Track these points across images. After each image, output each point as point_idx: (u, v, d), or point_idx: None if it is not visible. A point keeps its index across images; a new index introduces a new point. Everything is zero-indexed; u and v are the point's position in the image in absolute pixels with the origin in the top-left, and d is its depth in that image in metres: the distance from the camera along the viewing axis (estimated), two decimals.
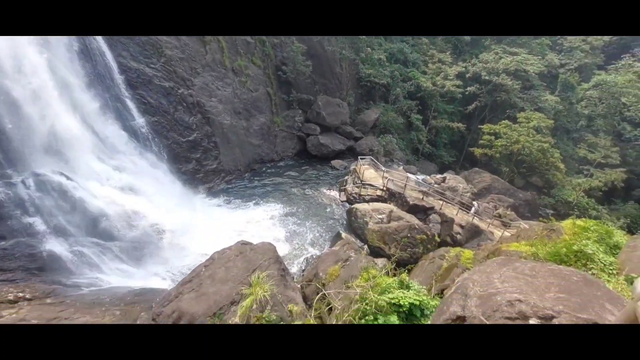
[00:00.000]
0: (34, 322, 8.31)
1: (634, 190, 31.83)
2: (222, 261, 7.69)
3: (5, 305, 8.90)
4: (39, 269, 10.45)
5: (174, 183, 17.53)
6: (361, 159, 23.57)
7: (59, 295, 9.91)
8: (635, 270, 5.58)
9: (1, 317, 8.29)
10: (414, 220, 16.93)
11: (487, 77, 33.55)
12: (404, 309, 5.47)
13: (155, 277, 12.81)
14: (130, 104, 15.86)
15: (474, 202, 23.44)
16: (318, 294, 8.02)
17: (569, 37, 39.13)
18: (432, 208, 19.06)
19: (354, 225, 17.63)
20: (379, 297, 5.71)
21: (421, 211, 18.88)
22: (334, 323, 5.83)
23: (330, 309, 7.12)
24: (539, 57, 36.63)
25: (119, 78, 15.32)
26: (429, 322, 3.62)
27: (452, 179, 26.40)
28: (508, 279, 2.06)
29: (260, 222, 17.96)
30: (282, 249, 15.60)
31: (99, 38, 14.18)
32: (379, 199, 20.13)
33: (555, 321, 1.68)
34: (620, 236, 7.41)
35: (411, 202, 18.99)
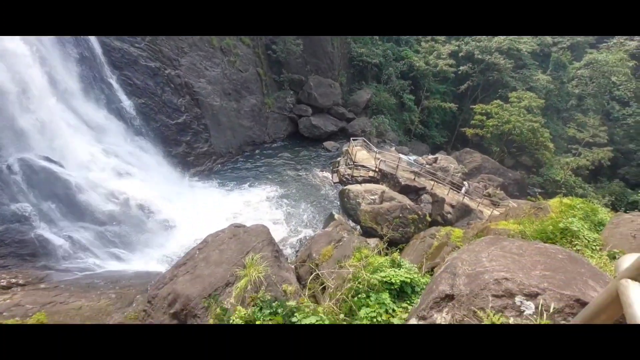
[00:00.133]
0: (29, 306, 8.34)
1: (619, 168, 32.58)
2: (216, 244, 7.72)
3: None
4: (31, 255, 10.39)
5: (164, 166, 17.33)
6: (353, 140, 23.50)
7: (52, 280, 9.91)
8: (617, 246, 5.80)
9: None
10: (405, 200, 17.13)
11: (480, 56, 33.25)
12: (396, 287, 5.63)
13: (149, 260, 12.86)
14: (116, 86, 15.39)
15: (465, 182, 23.78)
16: (312, 274, 8.17)
17: None
18: (423, 188, 19.28)
19: (347, 207, 17.78)
20: (371, 275, 5.85)
21: (413, 191, 19.10)
22: (327, 302, 5.97)
23: (324, 288, 7.28)
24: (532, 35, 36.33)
25: (102, 58, 14.78)
26: (418, 300, 3.73)
27: (444, 160, 26.61)
28: (496, 257, 2.12)
29: (253, 204, 17.98)
30: (276, 231, 15.73)
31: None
32: (371, 180, 20.24)
33: (539, 298, 1.76)
34: (604, 213, 7.63)
35: (403, 183, 19.16)
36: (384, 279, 5.66)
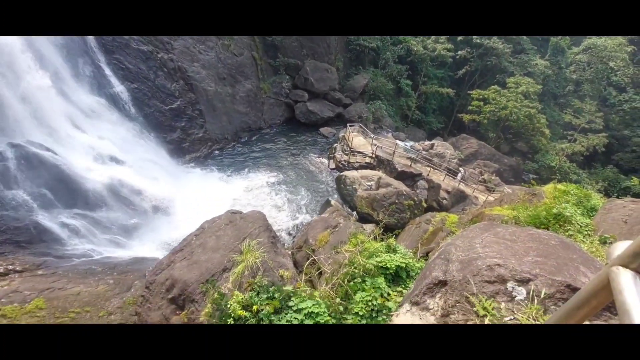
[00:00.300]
0: (27, 292, 8.38)
1: (614, 154, 32.84)
2: (213, 230, 7.75)
3: None
4: (27, 242, 10.36)
5: (159, 152, 17.17)
6: (350, 126, 23.36)
7: (50, 267, 9.93)
8: (608, 231, 5.91)
9: None
10: (401, 186, 17.20)
11: (478, 40, 32.82)
12: (391, 271, 5.72)
13: (147, 246, 12.90)
14: (108, 70, 15.05)
15: (460, 168, 23.88)
16: (308, 259, 8.27)
17: None
18: (419, 174, 19.35)
19: (343, 193, 17.84)
20: (366, 261, 5.93)
21: (409, 177, 19.16)
22: (323, 287, 6.06)
23: (320, 273, 7.38)
24: None
25: (92, 41, 14.39)
26: (413, 284, 3.80)
27: (440, 146, 26.62)
28: (489, 243, 2.14)
29: (249, 190, 17.98)
30: (272, 217, 15.79)
31: None
32: (367, 166, 20.26)
33: (531, 284, 1.79)
34: (597, 199, 7.75)
35: (399, 169, 19.20)
36: (380, 264, 5.75)
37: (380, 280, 5.51)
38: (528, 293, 1.79)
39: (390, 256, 5.96)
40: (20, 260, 9.68)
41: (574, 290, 1.74)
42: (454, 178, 21.18)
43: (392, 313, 2.40)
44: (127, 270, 10.36)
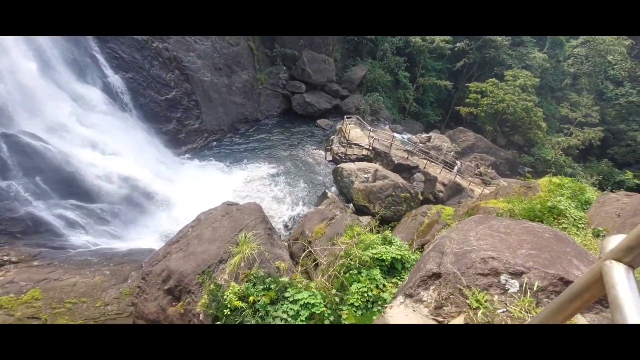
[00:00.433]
0: (23, 283, 8.37)
1: (609, 148, 33.04)
2: (209, 221, 7.74)
3: None
4: (22, 233, 10.30)
5: (154, 143, 17.03)
6: (347, 118, 23.27)
7: (45, 258, 9.90)
8: (601, 224, 5.98)
9: None
10: (398, 179, 17.24)
11: None
12: (386, 263, 5.78)
13: (143, 238, 12.88)
14: (101, 59, 14.79)
15: (457, 161, 23.95)
16: (304, 251, 8.31)
17: None
18: (416, 167, 19.39)
19: (340, 185, 17.86)
20: (362, 252, 5.97)
21: (406, 170, 19.20)
22: (319, 278, 6.11)
23: (316, 264, 7.43)
24: None
25: None
26: (407, 276, 3.84)
27: (437, 138, 26.63)
28: (483, 236, 2.16)
29: (246, 182, 17.94)
30: (269, 209, 15.80)
31: None
32: (364, 159, 20.26)
33: (524, 277, 1.81)
34: (591, 192, 7.82)
35: (396, 161, 19.22)
36: (375, 256, 5.80)
37: (376, 272, 5.57)
38: (521, 286, 1.81)
39: (386, 248, 6.01)
40: (15, 251, 9.63)
41: (567, 283, 1.76)
42: (451, 171, 21.26)
43: (386, 305, 2.42)
44: (123, 261, 10.36)
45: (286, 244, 9.83)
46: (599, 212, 6.37)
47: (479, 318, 1.69)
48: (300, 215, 15.15)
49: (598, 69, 32.67)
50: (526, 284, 1.79)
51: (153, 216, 13.94)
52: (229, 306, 5.31)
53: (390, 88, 32.44)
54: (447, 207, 12.33)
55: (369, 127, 22.25)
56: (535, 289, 1.77)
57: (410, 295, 2.11)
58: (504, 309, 1.73)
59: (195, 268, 6.43)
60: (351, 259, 5.92)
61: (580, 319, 1.64)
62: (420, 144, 25.06)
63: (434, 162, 21.12)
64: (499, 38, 31.88)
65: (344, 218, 10.75)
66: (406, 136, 27.56)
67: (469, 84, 30.97)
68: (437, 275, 2.06)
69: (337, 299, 5.38)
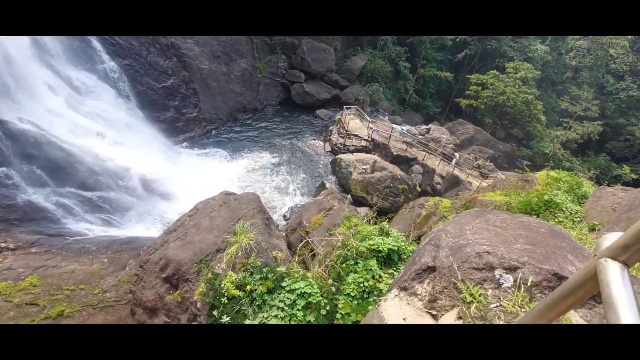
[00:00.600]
0: (21, 270, 8.39)
1: (607, 142, 33.05)
2: (206, 211, 7.74)
3: None
4: (19, 220, 10.28)
5: (152, 131, 16.89)
6: (347, 108, 23.13)
7: (43, 245, 9.91)
8: (597, 218, 6.02)
9: None
10: (396, 170, 17.26)
11: None
12: (383, 254, 5.82)
13: (140, 226, 12.90)
14: (97, 45, 14.55)
15: (456, 154, 23.95)
16: (302, 241, 8.35)
17: None
18: (415, 159, 19.38)
19: (338, 175, 17.86)
20: (359, 243, 6.01)
21: (404, 162, 19.20)
22: (316, 268, 6.15)
23: (314, 255, 7.48)
24: None
25: None
26: (403, 267, 3.87)
27: (436, 130, 26.57)
28: (479, 230, 2.17)
29: (244, 172, 17.91)
30: (267, 199, 15.82)
31: None
32: (363, 150, 20.23)
33: (519, 272, 1.83)
34: (588, 187, 7.85)
35: (395, 153, 19.20)
36: (372, 247, 5.83)
37: (373, 263, 5.61)
38: (515, 281, 1.83)
39: (383, 239, 6.04)
40: (13, 238, 9.63)
41: (561, 278, 1.78)
42: (449, 163, 21.28)
43: (380, 298, 2.44)
44: (121, 249, 10.39)
45: (284, 234, 9.88)
46: (595, 206, 6.41)
47: (472, 312, 1.71)
48: (298, 206, 15.18)
49: (600, 63, 32.43)
50: (520, 279, 1.81)
51: (150, 205, 13.93)
52: (226, 295, 5.36)
53: (390, 79, 32.16)
54: (444, 200, 12.38)
55: (368, 118, 22.14)
56: (529, 284, 1.79)
57: (404, 289, 2.13)
58: (498, 304, 1.75)
59: (193, 257, 6.46)
60: (348, 250, 5.95)
61: (573, 314, 1.67)
62: (419, 136, 25.01)
63: (432, 154, 21.11)
64: None
65: (341, 209, 10.79)
66: (405, 128, 27.48)
67: (470, 76, 30.74)
68: (432, 269, 2.07)
69: (333, 289, 5.43)
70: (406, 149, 19.89)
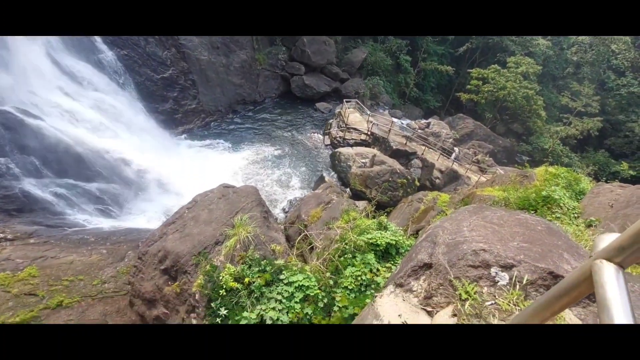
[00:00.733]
0: (19, 260, 8.41)
1: (607, 139, 33.03)
2: (205, 203, 7.74)
3: None
4: (18, 210, 10.28)
5: (150, 123, 16.81)
6: (346, 102, 23.01)
7: (42, 236, 9.92)
8: (593, 214, 6.05)
9: None
10: (396, 164, 17.25)
11: None
12: (381, 248, 5.85)
13: (139, 218, 12.91)
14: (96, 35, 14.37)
15: (455, 148, 23.93)
16: (300, 234, 8.39)
17: None
18: (414, 153, 19.36)
19: (337, 169, 17.85)
20: (358, 237, 6.04)
21: (403, 156, 19.18)
22: (314, 262, 6.19)
23: (312, 248, 7.52)
24: None
25: None
26: (400, 261, 3.88)
27: (436, 125, 26.50)
28: (476, 227, 2.17)
29: (242, 164, 17.88)
30: (266, 192, 15.83)
31: None
32: (362, 143, 20.19)
33: (514, 270, 1.84)
34: (586, 183, 7.88)
35: (394, 147, 19.17)
36: (370, 241, 5.86)
37: (370, 256, 5.64)
38: (511, 279, 1.84)
39: (381, 233, 6.07)
40: (11, 228, 9.63)
41: (556, 277, 1.79)
42: (448, 158, 21.27)
43: (376, 294, 2.46)
44: (120, 240, 10.41)
45: (282, 227, 9.91)
46: (593, 203, 6.43)
47: (467, 310, 1.73)
48: (297, 199, 15.20)
49: (601, 58, 32.23)
50: (516, 277, 1.82)
51: (149, 196, 13.92)
52: (224, 287, 5.40)
53: (390, 72, 31.93)
54: (443, 194, 12.41)
55: (368, 112, 22.05)
56: (524, 282, 1.81)
57: (400, 285, 2.15)
58: (493, 301, 1.77)
59: (192, 249, 6.48)
60: (346, 243, 5.99)
61: (567, 312, 1.68)
62: (419, 130, 24.95)
63: (432, 149, 21.09)
64: None
65: (340, 202, 10.80)
66: (405, 122, 27.40)
67: (471, 70, 30.54)
68: (428, 266, 2.08)
69: (331, 282, 5.47)
70: (406, 143, 19.86)
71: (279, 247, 6.81)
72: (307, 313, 5.08)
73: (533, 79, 29.13)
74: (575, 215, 6.24)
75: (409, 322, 1.86)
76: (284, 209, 15.35)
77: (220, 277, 5.53)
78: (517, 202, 6.81)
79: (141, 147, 14.55)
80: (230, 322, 5.12)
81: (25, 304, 7.26)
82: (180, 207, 7.96)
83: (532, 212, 6.23)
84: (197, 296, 5.82)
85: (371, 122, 20.82)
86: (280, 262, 5.92)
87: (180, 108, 18.90)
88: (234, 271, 5.62)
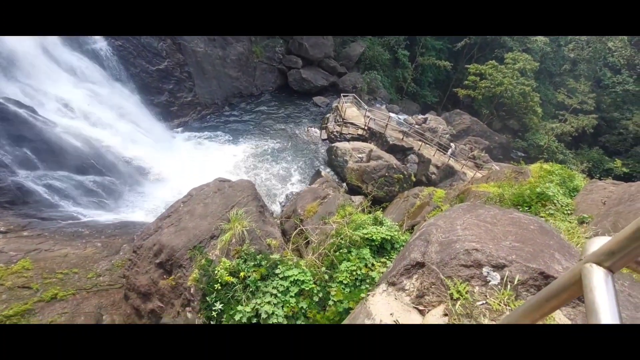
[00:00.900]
0: (13, 253, 8.35)
1: (601, 136, 33.30)
2: (201, 197, 7.71)
3: None
4: (10, 203, 10.17)
5: (145, 115, 16.64)
6: (344, 96, 22.92)
7: (35, 228, 9.84)
8: (587, 211, 6.11)
9: None
10: (392, 160, 17.27)
11: None
12: (376, 243, 5.88)
13: (134, 211, 12.84)
14: None
15: (451, 144, 24.00)
16: (296, 229, 8.40)
17: None
18: (411, 148, 19.40)
19: (334, 164, 17.85)
20: (353, 232, 6.06)
21: (400, 151, 19.21)
22: (310, 256, 6.21)
23: (307, 242, 7.54)
24: None
25: None
26: (395, 256, 3.91)
27: (433, 120, 26.53)
28: (470, 226, 2.19)
29: (239, 158, 17.80)
30: (262, 186, 15.80)
31: None
32: (359, 138, 20.17)
33: (506, 270, 1.86)
34: (580, 180, 7.94)
35: (391, 142, 19.19)
36: (366, 236, 5.89)
37: (366, 251, 5.67)
38: (502, 279, 1.86)
39: (376, 228, 6.10)
40: (4, 221, 9.54)
41: (547, 277, 1.81)
42: (444, 153, 21.34)
43: (369, 293, 2.48)
44: (114, 233, 10.37)
45: (278, 221, 9.92)
46: (586, 200, 6.50)
47: (458, 309, 1.75)
48: (293, 193, 15.20)
49: (598, 55, 32.35)
50: (507, 277, 1.84)
51: (144, 189, 13.85)
52: (219, 281, 5.40)
53: (388, 67, 31.80)
54: (438, 190, 12.47)
55: (366, 107, 21.99)
56: (515, 282, 1.83)
57: (393, 284, 2.16)
58: (484, 301, 1.79)
59: (187, 243, 6.47)
60: (342, 238, 6.01)
61: (557, 312, 1.71)
62: (416, 126, 24.96)
63: (428, 144, 21.13)
64: None
65: (336, 197, 10.82)
66: (402, 117, 27.37)
67: (469, 66, 30.52)
68: (420, 265, 2.10)
69: (326, 277, 5.50)
70: (402, 139, 19.87)
71: (275, 242, 6.82)
72: (302, 307, 5.11)
73: (530, 76, 29.20)
74: (569, 212, 6.30)
75: (401, 321, 1.88)
76: (280, 203, 15.35)
77: (216, 271, 5.53)
78: (512, 199, 6.85)
79: (136, 139, 14.42)
80: (225, 316, 5.14)
81: (19, 297, 7.23)
82: (176, 201, 7.93)
83: (527, 208, 6.28)
84: (192, 290, 5.83)
85: (368, 116, 20.79)
86: (275, 256, 5.93)
87: (176, 100, 18.72)
88: (229, 265, 5.62)
